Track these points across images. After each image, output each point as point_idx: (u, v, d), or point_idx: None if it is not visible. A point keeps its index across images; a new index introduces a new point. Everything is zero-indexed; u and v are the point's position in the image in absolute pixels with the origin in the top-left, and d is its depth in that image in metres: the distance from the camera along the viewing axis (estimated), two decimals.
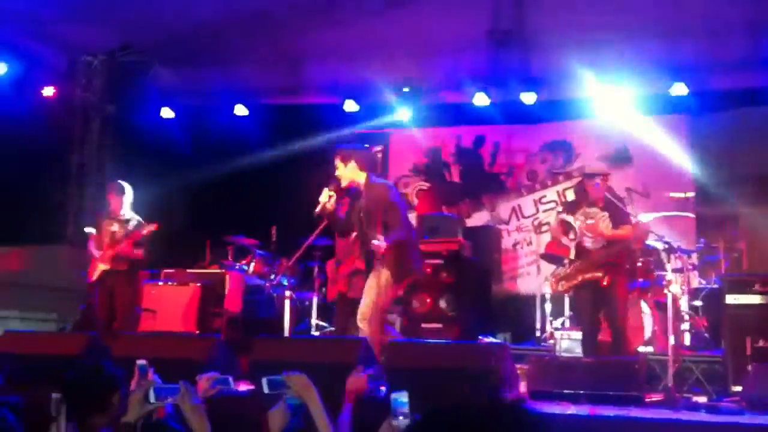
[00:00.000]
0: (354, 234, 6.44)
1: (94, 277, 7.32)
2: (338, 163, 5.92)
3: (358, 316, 5.88)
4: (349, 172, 5.89)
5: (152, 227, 7.13)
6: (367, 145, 8.76)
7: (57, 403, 3.53)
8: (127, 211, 7.49)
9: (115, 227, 7.38)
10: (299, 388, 3.18)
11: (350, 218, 6.05)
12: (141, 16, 9.99)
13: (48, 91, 10.87)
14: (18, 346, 5.68)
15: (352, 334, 7.79)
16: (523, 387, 5.50)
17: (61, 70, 11.34)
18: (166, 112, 11.50)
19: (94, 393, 3.44)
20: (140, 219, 7.44)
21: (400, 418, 2.89)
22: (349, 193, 6.03)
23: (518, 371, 5.63)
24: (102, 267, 7.28)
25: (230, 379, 3.76)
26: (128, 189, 7.56)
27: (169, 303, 8.12)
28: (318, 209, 5.90)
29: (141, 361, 3.55)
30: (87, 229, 11.34)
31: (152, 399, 3.09)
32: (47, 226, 11.35)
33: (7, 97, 10.17)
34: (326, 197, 5.85)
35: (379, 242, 5.72)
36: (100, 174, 11.60)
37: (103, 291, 7.28)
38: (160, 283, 8.43)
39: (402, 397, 2.92)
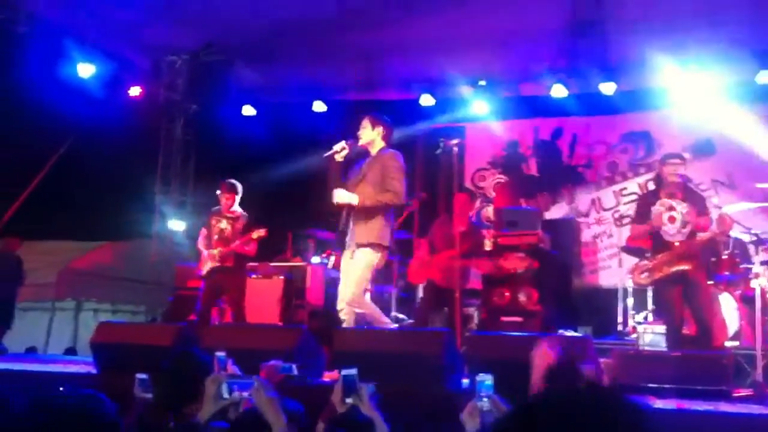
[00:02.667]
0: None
1: (204, 272, 7.53)
2: (366, 124, 6.01)
3: (347, 302, 5.81)
4: (372, 136, 5.99)
5: (261, 232, 7.31)
6: (442, 140, 8.79)
7: (142, 383, 3.61)
8: (237, 208, 7.68)
9: (224, 224, 7.56)
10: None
11: (347, 179, 6.05)
12: (222, 16, 10.24)
13: (134, 91, 11.22)
14: (113, 336, 5.87)
15: (433, 321, 7.85)
16: (606, 381, 5.45)
17: (146, 70, 11.72)
18: (248, 110, 11.75)
19: (186, 380, 3.52)
20: (248, 216, 7.63)
21: (484, 399, 2.95)
22: (353, 154, 6.03)
23: (601, 365, 5.58)
24: (211, 262, 7.47)
25: (294, 366, 3.83)
26: (239, 187, 7.72)
27: (254, 296, 8.29)
28: (327, 153, 5.96)
29: (220, 353, 3.63)
30: (171, 225, 11.76)
31: (225, 394, 3.11)
32: (135, 221, 11.76)
33: (96, 98, 10.55)
34: (340, 147, 5.92)
35: (349, 198, 5.77)
36: (185, 171, 11.97)
37: (209, 285, 7.48)
38: None
39: (486, 380, 2.98)
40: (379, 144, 6.03)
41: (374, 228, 5.81)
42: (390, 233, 5.93)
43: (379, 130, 6.00)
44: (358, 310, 5.79)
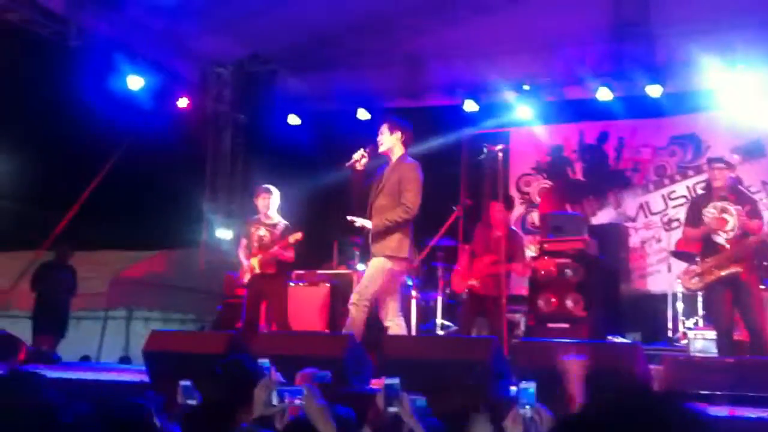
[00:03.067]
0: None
1: (245, 280, 7.60)
2: (385, 129, 6.06)
3: (351, 300, 5.94)
4: (391, 141, 6.04)
5: (298, 236, 7.35)
6: (486, 145, 8.77)
7: (185, 390, 3.64)
8: (274, 214, 7.73)
9: (263, 232, 7.63)
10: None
11: (369, 188, 6.12)
12: (265, 26, 10.38)
13: (182, 102, 11.39)
14: (164, 344, 5.97)
15: (477, 329, 7.84)
16: (656, 388, 5.39)
17: (193, 81, 11.92)
18: (293, 119, 11.85)
19: (238, 386, 3.58)
20: (287, 223, 7.68)
21: (527, 407, 2.96)
22: (374, 161, 6.10)
23: (651, 372, 5.52)
24: (252, 270, 7.54)
25: (329, 374, 3.85)
26: (275, 192, 7.79)
27: (301, 303, 8.37)
28: (348, 163, 6.03)
29: (263, 360, 3.66)
30: (219, 233, 11.92)
31: (275, 401, 3.14)
32: (184, 230, 11.94)
33: (146, 110, 10.75)
34: (359, 156, 5.98)
35: (362, 223, 5.90)
36: (232, 180, 12.15)
37: (251, 293, 7.56)
38: (292, 284, 8.70)
39: (529, 387, 2.99)
40: (399, 150, 6.07)
41: (389, 243, 5.90)
42: (408, 244, 6.00)
43: (398, 135, 6.04)
44: (351, 310, 5.88)
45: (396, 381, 3.16)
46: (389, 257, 5.88)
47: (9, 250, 12.40)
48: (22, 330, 9.77)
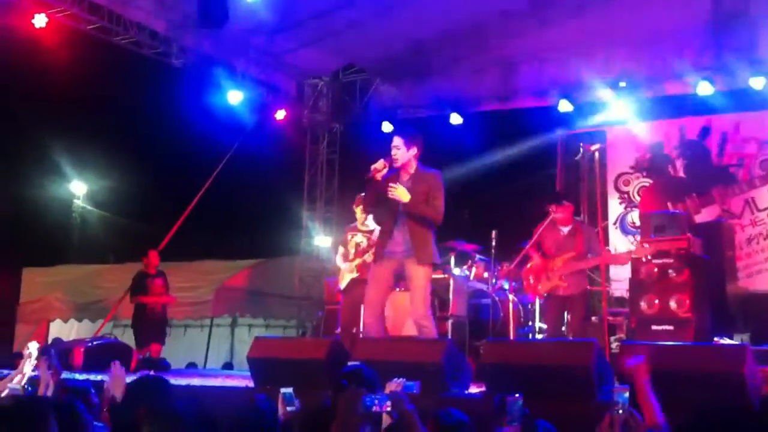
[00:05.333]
0: None
1: (343, 286, 7.76)
2: (401, 144, 6.05)
3: (419, 316, 5.99)
4: (407, 156, 6.05)
5: None
6: (582, 145, 8.64)
7: (288, 398, 3.72)
8: (371, 221, 7.85)
9: (359, 238, 7.78)
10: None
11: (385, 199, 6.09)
12: (359, 37, 10.54)
13: (280, 115, 11.70)
14: (268, 351, 6.12)
15: (564, 332, 7.71)
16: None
17: (290, 93, 12.24)
18: (387, 126, 11.98)
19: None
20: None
21: (620, 411, 2.97)
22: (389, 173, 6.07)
23: (762, 374, 5.33)
24: (349, 276, 7.69)
25: (417, 384, 3.87)
26: None
27: (397, 309, 8.42)
28: (369, 174, 6.04)
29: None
30: (317, 241, 12.17)
31: (362, 409, 3.14)
32: (284, 239, 12.23)
33: (245, 123, 11.10)
34: (381, 166, 6.00)
35: (403, 196, 5.86)
36: (329, 189, 12.38)
37: (349, 298, 7.71)
38: None
39: (624, 392, 2.99)
40: (414, 162, 6.10)
41: (430, 250, 6.02)
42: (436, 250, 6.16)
43: (414, 150, 6.07)
44: (424, 324, 6.01)
45: (519, 400, 3.19)
46: (432, 264, 6.07)
47: (121, 262, 13.01)
48: (129, 339, 10.19)
